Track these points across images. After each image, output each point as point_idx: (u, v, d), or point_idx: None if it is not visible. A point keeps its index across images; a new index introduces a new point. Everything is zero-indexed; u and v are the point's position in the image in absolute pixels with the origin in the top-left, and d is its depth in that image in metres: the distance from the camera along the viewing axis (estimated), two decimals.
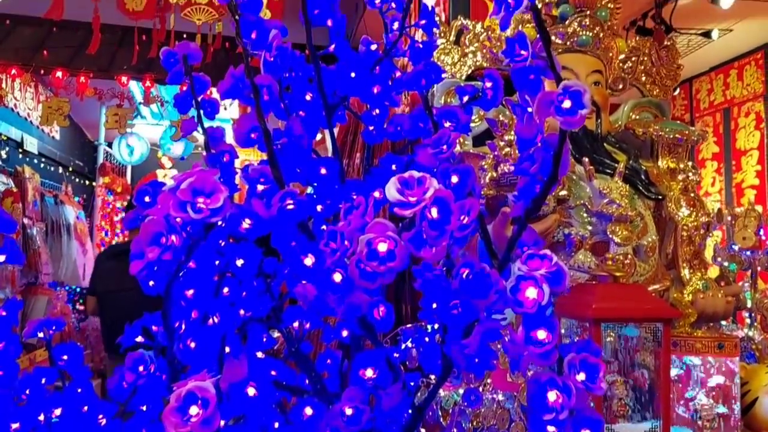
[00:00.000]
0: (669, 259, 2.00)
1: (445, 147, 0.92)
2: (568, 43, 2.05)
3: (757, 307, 2.12)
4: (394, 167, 1.03)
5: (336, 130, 1.08)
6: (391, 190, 0.64)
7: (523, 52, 0.90)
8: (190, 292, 0.78)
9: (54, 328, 0.78)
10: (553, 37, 2.05)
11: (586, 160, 1.89)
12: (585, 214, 1.86)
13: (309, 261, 0.84)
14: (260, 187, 0.90)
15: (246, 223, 0.85)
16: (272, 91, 0.83)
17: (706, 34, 5.03)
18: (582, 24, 2.03)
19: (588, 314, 1.42)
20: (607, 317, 1.42)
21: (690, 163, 2.02)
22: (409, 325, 1.70)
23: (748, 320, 2.26)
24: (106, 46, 4.91)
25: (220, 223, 0.81)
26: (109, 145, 8.14)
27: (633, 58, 2.19)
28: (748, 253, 2.21)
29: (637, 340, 1.52)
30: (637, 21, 5.11)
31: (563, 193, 1.86)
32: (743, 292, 2.04)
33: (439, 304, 0.78)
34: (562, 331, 1.63)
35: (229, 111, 6.48)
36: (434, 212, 0.66)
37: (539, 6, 2.15)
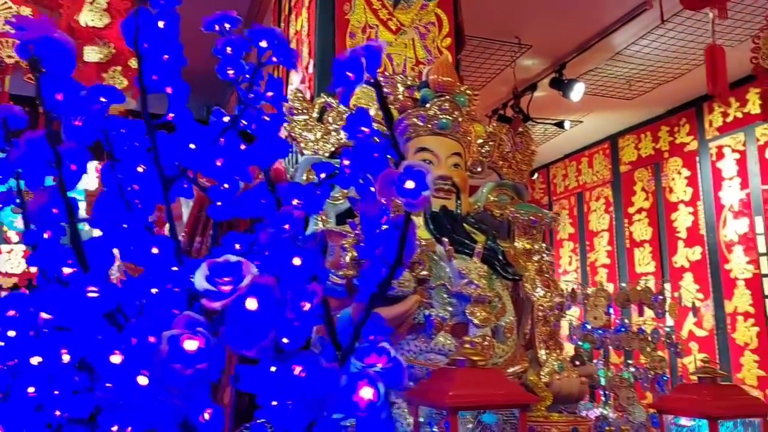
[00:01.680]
0: (527, 340, 2.04)
1: (287, 226, 0.87)
2: (429, 125, 2.12)
3: (610, 386, 2.21)
4: (237, 246, 0.95)
5: (190, 205, 0.99)
6: (199, 278, 0.57)
7: (364, 128, 0.87)
8: None
9: None
10: (415, 120, 2.12)
11: (446, 240, 1.92)
12: (445, 295, 1.87)
13: (116, 359, 0.73)
14: (66, 271, 0.79)
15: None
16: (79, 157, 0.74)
17: (559, 124, 5.52)
18: (442, 108, 2.11)
19: (445, 402, 1.38)
20: (463, 405, 1.39)
21: (544, 245, 2.12)
22: (248, 425, 1.57)
23: (603, 398, 2.35)
24: None
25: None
26: None
27: (490, 143, 2.30)
28: (600, 331, 2.32)
29: (496, 427, 1.50)
30: (499, 110, 5.52)
31: (424, 273, 1.86)
32: (597, 371, 2.12)
33: (277, 402, 0.70)
34: (421, 419, 1.58)
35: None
36: (251, 303, 0.60)
37: (400, 88, 2.22)
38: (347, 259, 1.80)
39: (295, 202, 0.91)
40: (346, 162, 1.20)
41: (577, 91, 4.73)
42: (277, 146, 1.04)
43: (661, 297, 2.19)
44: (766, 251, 5.01)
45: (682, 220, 5.87)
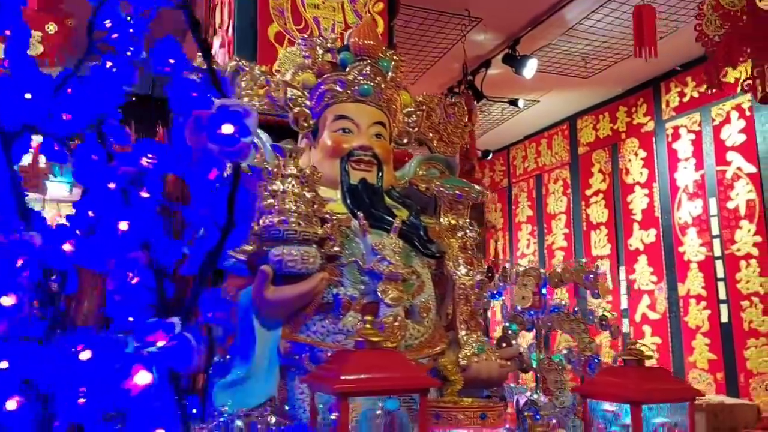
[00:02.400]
0: (449, 320, 1.94)
1: (112, 185, 0.74)
2: (349, 91, 1.98)
3: (540, 369, 2.12)
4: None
5: None
6: None
7: (171, 60, 0.74)
8: None
9: None
10: (333, 85, 1.98)
11: (361, 214, 1.80)
12: (357, 273, 1.75)
13: None
14: None
15: None
16: None
17: (513, 102, 5.43)
18: (362, 72, 1.97)
19: (334, 388, 1.26)
20: (352, 391, 1.27)
21: (468, 221, 2.01)
22: None
23: (535, 382, 2.26)
24: None
25: None
26: None
27: (418, 113, 2.17)
28: (532, 313, 2.23)
29: (397, 414, 1.39)
30: (454, 88, 5.40)
31: (335, 249, 1.73)
32: (519, 353, 2.02)
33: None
34: (320, 406, 1.45)
35: None
36: None
37: (320, 51, 2.08)
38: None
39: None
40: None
41: (530, 68, 4.64)
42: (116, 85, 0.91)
43: (592, 276, 2.10)
44: (719, 233, 5.01)
45: (638, 202, 5.85)
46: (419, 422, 1.34)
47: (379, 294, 1.68)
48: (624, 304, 5.84)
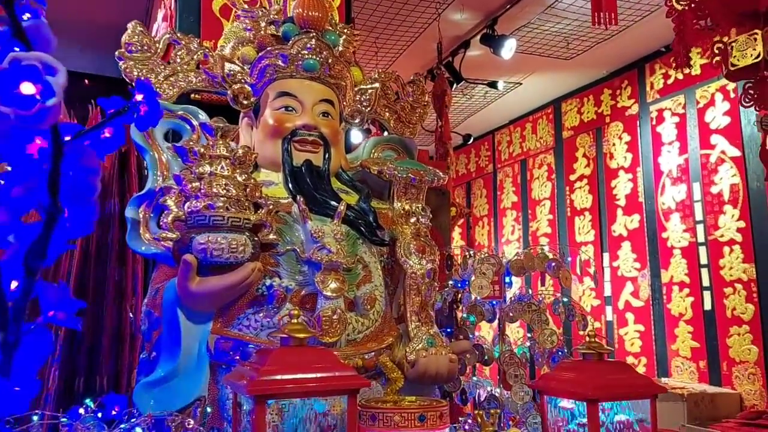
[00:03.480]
0: (400, 312, 1.82)
1: None
2: (292, 66, 1.84)
3: (501, 362, 2.02)
4: None
5: None
6: None
7: None
8: None
9: None
10: (275, 59, 1.84)
11: (301, 198, 1.67)
12: (295, 262, 1.63)
13: None
14: None
15: None
16: None
17: (492, 85, 5.29)
18: (307, 46, 1.83)
19: (249, 389, 1.15)
20: (270, 393, 1.15)
21: (422, 206, 1.88)
22: None
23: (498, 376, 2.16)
24: None
25: None
26: None
27: (371, 90, 2.04)
28: (494, 303, 2.12)
29: (323, 417, 1.27)
30: (434, 70, 5.25)
31: (271, 237, 1.61)
32: (471, 347, 1.92)
33: None
34: (244, 407, 1.34)
35: None
36: None
37: (262, 24, 1.94)
38: (169, 219, 1.54)
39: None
40: (140, 96, 0.96)
41: (508, 48, 4.50)
42: None
43: (554, 264, 1.99)
44: (702, 219, 4.92)
45: (622, 187, 5.75)
46: (347, 426, 1.23)
47: (317, 285, 1.56)
48: (607, 291, 5.75)
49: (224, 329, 1.57)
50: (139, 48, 1.85)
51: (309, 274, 1.61)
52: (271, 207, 1.62)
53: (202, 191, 1.52)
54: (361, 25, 4.56)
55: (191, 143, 1.59)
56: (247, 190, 1.58)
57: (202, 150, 1.56)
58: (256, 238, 1.56)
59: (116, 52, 1.83)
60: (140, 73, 1.84)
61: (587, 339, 1.54)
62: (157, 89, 1.86)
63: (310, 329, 1.30)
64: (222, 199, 1.52)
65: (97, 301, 1.98)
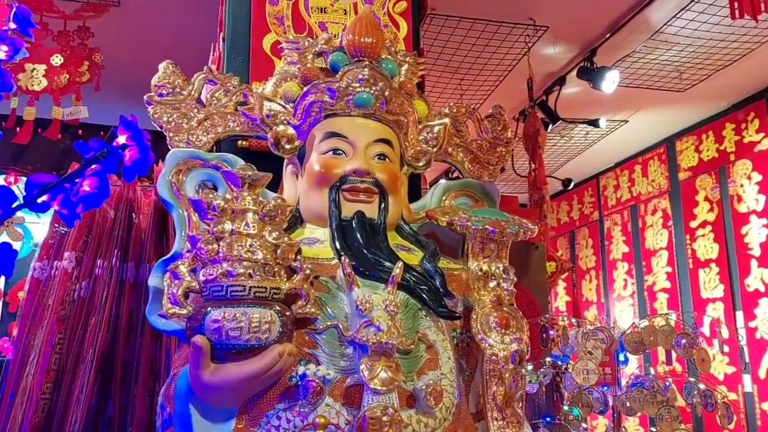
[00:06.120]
0: (479, 406, 1.44)
1: None
2: (342, 102, 1.57)
3: None
4: None
5: None
6: None
7: None
8: None
9: None
10: (321, 95, 1.57)
11: (346, 260, 1.35)
12: (337, 342, 1.30)
13: None
14: None
15: None
16: None
17: (593, 123, 4.83)
18: (359, 78, 1.56)
19: None
20: None
21: (505, 266, 1.51)
22: None
23: None
24: None
25: None
26: None
27: (438, 127, 1.72)
28: (605, 388, 1.69)
29: None
30: (526, 110, 4.89)
31: (308, 309, 1.30)
32: None
33: None
34: None
35: None
36: None
37: (309, 56, 1.69)
38: (179, 291, 1.26)
39: None
40: (122, 137, 0.68)
41: (610, 81, 4.06)
42: None
43: (684, 340, 1.53)
44: None
45: (755, 234, 5.03)
46: None
47: (361, 374, 1.22)
48: (744, 357, 4.98)
49: (250, 429, 1.26)
50: (170, 90, 1.65)
51: (355, 359, 1.28)
52: (308, 272, 1.31)
53: (221, 254, 1.24)
54: (443, 66, 4.31)
55: (210, 196, 1.32)
56: (278, 251, 1.28)
57: (222, 204, 1.29)
58: (288, 313, 1.25)
59: (144, 97, 1.63)
60: (170, 119, 1.63)
61: None
62: (190, 136, 1.64)
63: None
64: (244, 264, 1.23)
65: (125, 384, 1.74)
